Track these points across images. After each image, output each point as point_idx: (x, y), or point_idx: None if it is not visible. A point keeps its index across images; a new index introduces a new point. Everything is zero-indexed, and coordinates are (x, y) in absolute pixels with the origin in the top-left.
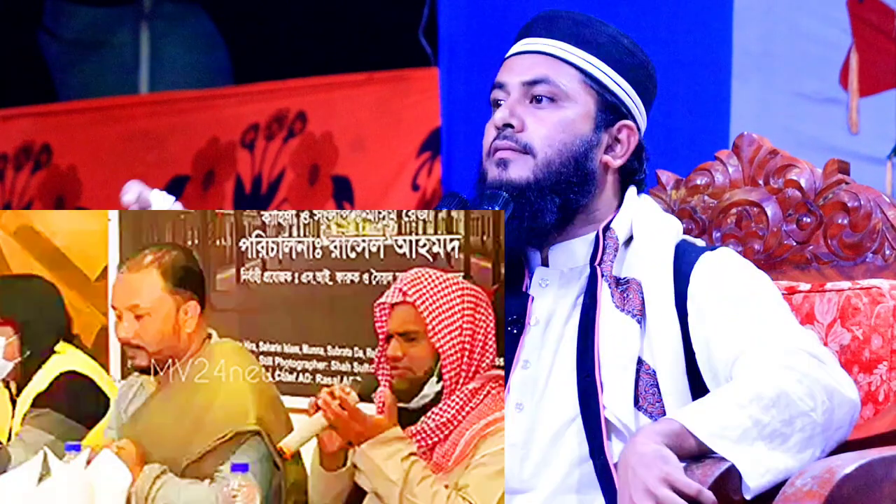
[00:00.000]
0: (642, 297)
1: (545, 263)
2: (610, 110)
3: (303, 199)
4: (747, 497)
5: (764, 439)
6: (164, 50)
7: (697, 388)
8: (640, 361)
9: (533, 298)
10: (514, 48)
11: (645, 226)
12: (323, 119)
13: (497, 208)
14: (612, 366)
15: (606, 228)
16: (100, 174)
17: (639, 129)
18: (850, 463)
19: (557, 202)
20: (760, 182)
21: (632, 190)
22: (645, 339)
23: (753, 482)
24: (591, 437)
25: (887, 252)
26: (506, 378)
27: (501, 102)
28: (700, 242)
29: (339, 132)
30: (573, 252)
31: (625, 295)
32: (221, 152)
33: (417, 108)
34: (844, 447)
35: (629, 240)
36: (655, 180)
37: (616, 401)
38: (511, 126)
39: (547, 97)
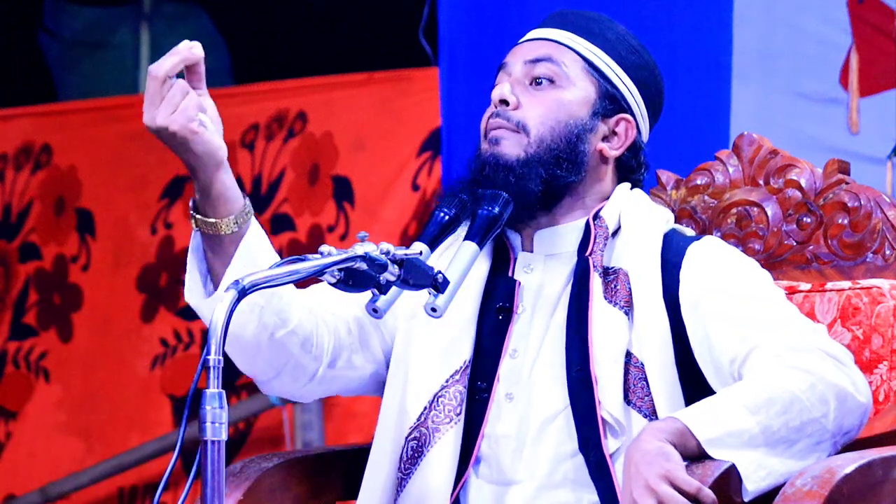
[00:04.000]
0: (630, 289)
1: (527, 248)
2: (610, 100)
3: (303, 199)
4: (746, 499)
5: (769, 445)
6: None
7: (687, 380)
8: (628, 354)
9: (520, 283)
10: (522, 39)
11: (633, 215)
12: (323, 119)
13: (497, 208)
14: (602, 360)
15: (596, 217)
16: (100, 174)
17: (638, 127)
18: (850, 463)
19: (542, 174)
20: (760, 182)
21: (624, 184)
22: (633, 332)
23: (752, 485)
24: (582, 431)
25: (887, 252)
26: (496, 364)
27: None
28: (690, 232)
29: (339, 132)
30: (560, 237)
31: (612, 286)
32: None
33: (417, 108)
34: (844, 447)
35: (617, 230)
36: (655, 180)
37: (606, 395)
38: (506, 103)
39: (547, 79)
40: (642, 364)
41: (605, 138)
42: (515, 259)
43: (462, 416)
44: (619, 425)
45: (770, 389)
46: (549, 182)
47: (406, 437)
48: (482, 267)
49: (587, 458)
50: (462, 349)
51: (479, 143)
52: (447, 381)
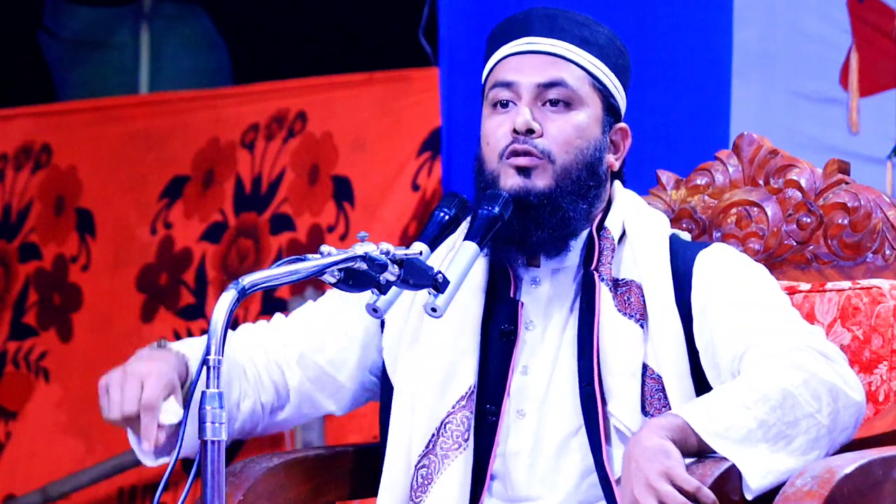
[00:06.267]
0: (644, 300)
1: (532, 263)
2: (611, 112)
3: (303, 199)
4: (748, 497)
5: (768, 441)
6: (164, 50)
7: (702, 390)
8: (644, 367)
9: (523, 304)
10: (513, 46)
11: (637, 223)
12: (323, 119)
13: (497, 209)
14: (618, 372)
15: (601, 227)
16: (100, 174)
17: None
18: (850, 463)
19: (585, 208)
20: (760, 182)
21: (617, 184)
22: (648, 344)
23: (755, 483)
24: (594, 447)
25: (887, 252)
26: (505, 383)
27: (510, 103)
28: (686, 236)
29: (339, 132)
30: (566, 251)
31: (625, 298)
32: (221, 152)
33: (417, 108)
34: (844, 447)
35: (622, 237)
36: (655, 180)
37: (624, 408)
38: (532, 132)
39: (562, 101)
40: (659, 376)
41: (609, 150)
42: (519, 277)
43: (470, 441)
44: None
45: (763, 386)
46: (587, 212)
47: (415, 466)
48: (479, 290)
49: (600, 476)
50: (465, 374)
51: (489, 165)
52: (453, 408)
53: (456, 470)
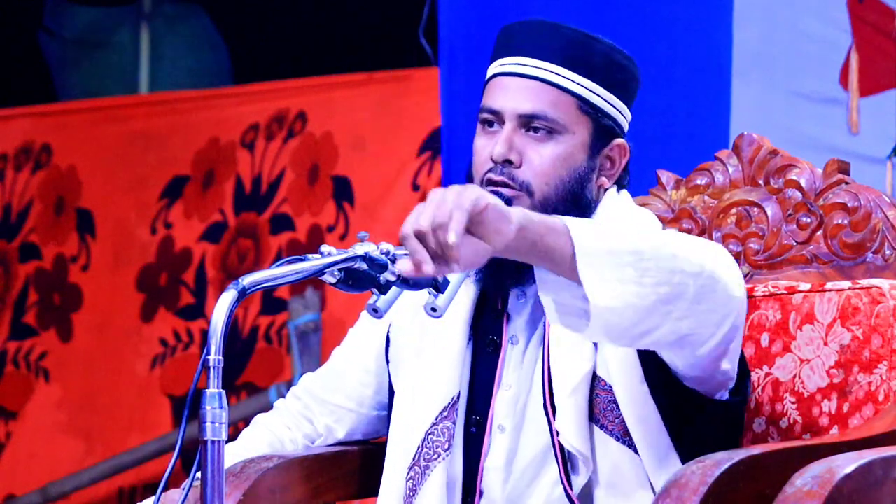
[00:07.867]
0: None
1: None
2: (604, 132)
3: (303, 199)
4: (587, 323)
5: (635, 268)
6: (164, 50)
7: (661, 394)
8: (595, 378)
9: (510, 316)
10: (504, 64)
11: None
12: (323, 119)
13: None
14: (563, 389)
15: None
16: (100, 174)
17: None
18: (850, 463)
19: None
20: (760, 182)
21: (609, 193)
22: (599, 354)
23: (601, 301)
24: (557, 462)
25: (887, 252)
26: (490, 396)
27: (496, 124)
28: None
29: (339, 132)
30: None
31: None
32: (221, 152)
33: (417, 108)
34: (842, 447)
35: None
36: (655, 180)
37: (565, 424)
38: (510, 162)
39: (544, 129)
40: (610, 386)
41: (601, 168)
42: (507, 290)
43: (450, 451)
44: (581, 455)
45: (653, 238)
46: None
47: (405, 478)
48: (468, 302)
49: (566, 491)
50: (450, 385)
51: (474, 182)
52: (437, 419)
53: (435, 480)
